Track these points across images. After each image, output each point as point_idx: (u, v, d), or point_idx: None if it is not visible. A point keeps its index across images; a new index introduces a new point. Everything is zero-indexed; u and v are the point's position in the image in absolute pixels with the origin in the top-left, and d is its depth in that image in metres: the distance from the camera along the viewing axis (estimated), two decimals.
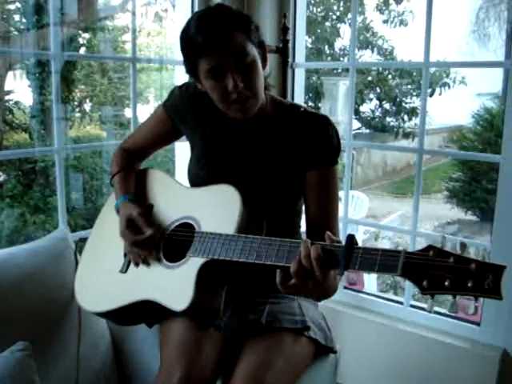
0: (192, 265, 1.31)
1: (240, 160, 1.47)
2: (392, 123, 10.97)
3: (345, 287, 2.55)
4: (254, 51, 1.32)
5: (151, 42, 9.00)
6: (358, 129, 11.82)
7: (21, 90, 7.22)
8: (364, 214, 5.87)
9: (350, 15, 10.86)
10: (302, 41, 2.67)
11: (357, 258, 1.05)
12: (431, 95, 10.54)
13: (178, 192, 1.48)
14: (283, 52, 2.35)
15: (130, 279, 1.44)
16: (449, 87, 10.72)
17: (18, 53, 4.65)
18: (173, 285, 1.33)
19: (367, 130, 11.75)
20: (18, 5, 5.78)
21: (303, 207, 1.53)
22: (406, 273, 0.99)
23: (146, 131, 1.63)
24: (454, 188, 7.37)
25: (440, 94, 10.58)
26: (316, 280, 1.09)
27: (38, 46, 4.99)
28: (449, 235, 6.62)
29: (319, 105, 11.03)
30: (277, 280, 1.12)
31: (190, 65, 1.34)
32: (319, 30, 10.94)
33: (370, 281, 4.27)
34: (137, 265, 1.42)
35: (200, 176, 1.50)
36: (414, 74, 10.39)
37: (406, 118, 10.74)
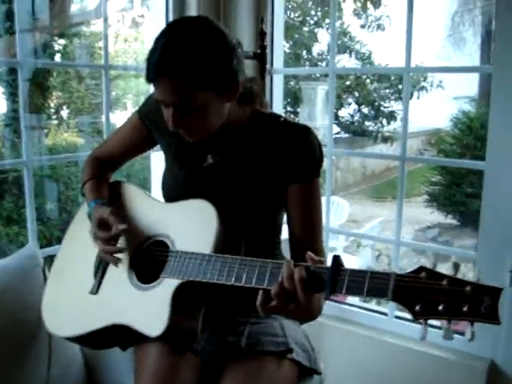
0: (166, 287, 1.22)
1: (216, 171, 1.39)
2: (371, 127, 11.00)
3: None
4: (203, 97, 1.20)
5: (128, 47, 8.91)
6: (337, 133, 11.83)
7: None
8: (344, 219, 5.84)
9: (327, 20, 10.88)
10: (280, 46, 2.60)
11: (343, 280, 0.97)
12: (409, 99, 10.58)
13: (152, 207, 1.40)
14: (261, 58, 2.27)
15: (100, 301, 1.35)
16: (426, 91, 10.81)
17: None
18: (146, 308, 1.25)
19: (346, 135, 11.77)
20: None
21: (283, 220, 1.46)
22: (397, 297, 0.92)
23: (118, 139, 1.55)
24: (434, 192, 7.38)
25: (418, 97, 10.66)
26: (299, 303, 1.02)
27: (9, 52, 4.86)
28: (429, 240, 6.63)
29: (298, 110, 11.03)
30: (257, 301, 1.05)
31: None
32: (297, 35, 10.93)
33: None
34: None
35: (174, 187, 1.42)
36: (393, 78, 10.43)
37: (384, 122, 10.78)
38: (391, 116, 10.64)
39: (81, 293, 1.38)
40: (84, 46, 8.33)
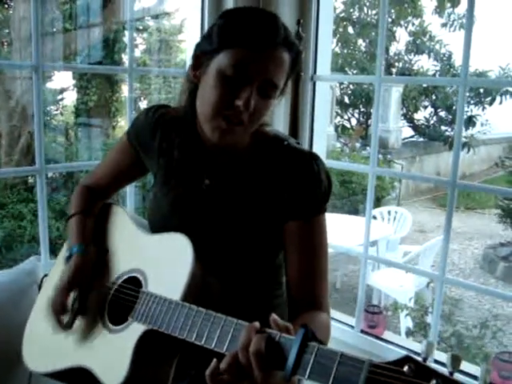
0: (132, 332, 1.07)
1: (208, 196, 1.22)
2: (447, 132, 10.44)
3: (361, 331, 2.24)
4: (281, 83, 1.11)
5: None
6: (412, 137, 11.35)
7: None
8: (406, 231, 5.51)
9: (406, 18, 10.45)
10: (326, 50, 2.38)
11: (309, 360, 0.78)
12: (491, 103, 9.99)
13: (133, 238, 1.25)
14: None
15: (72, 338, 1.21)
16: (511, 95, 10.11)
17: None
18: (110, 354, 1.10)
19: (421, 139, 11.27)
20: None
21: None
22: None
23: (108, 165, 1.40)
24: (508, 207, 6.83)
25: (500, 102, 10.00)
26: (253, 381, 0.83)
27: (69, 48, 4.92)
28: (500, 259, 6.15)
29: (371, 111, 10.67)
30: (207, 370, 0.86)
31: (211, 50, 1.09)
32: (374, 34, 10.54)
33: (400, 321, 3.87)
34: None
35: (161, 212, 1.26)
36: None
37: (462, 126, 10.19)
38: (470, 121, 10.03)
39: (57, 326, 1.26)
40: (163, 40, 8.40)
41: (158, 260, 1.14)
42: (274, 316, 0.86)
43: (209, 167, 1.23)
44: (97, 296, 1.21)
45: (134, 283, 1.16)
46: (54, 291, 1.22)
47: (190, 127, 1.21)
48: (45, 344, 1.28)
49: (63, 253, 1.39)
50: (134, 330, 1.07)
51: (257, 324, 0.86)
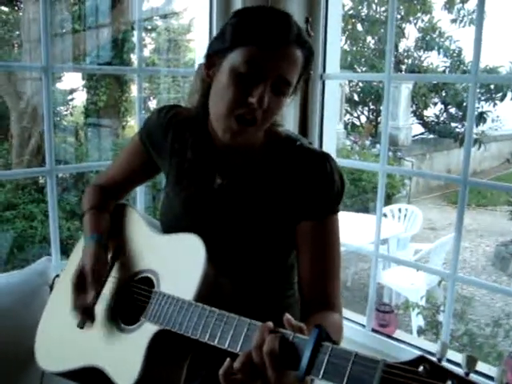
0: (144, 332, 1.07)
1: (221, 195, 1.22)
2: (457, 129, 10.37)
3: (373, 329, 2.23)
4: (294, 81, 1.12)
5: None
6: (422, 134, 11.30)
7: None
8: (417, 229, 5.48)
9: (416, 14, 10.39)
10: (335, 49, 2.37)
11: (323, 361, 0.77)
12: (502, 99, 9.91)
13: (146, 238, 1.25)
14: None
15: (84, 338, 1.22)
16: None
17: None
18: (122, 354, 1.10)
19: (431, 135, 11.21)
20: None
21: None
22: None
23: (120, 165, 1.40)
24: None
25: None
26: (267, 381, 0.83)
27: (79, 48, 4.95)
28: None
29: (380, 108, 10.63)
30: (221, 369, 0.87)
31: (224, 49, 1.10)
32: (382, 30, 10.50)
33: (412, 320, 3.84)
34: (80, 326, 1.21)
35: (173, 212, 1.27)
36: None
37: None
38: (481, 117, 9.96)
39: (70, 324, 1.26)
40: (172, 39, 8.42)
41: (170, 260, 1.14)
42: (288, 316, 0.86)
43: (221, 167, 1.23)
44: (109, 295, 1.21)
45: (146, 283, 1.16)
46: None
47: (202, 127, 1.21)
48: (57, 344, 1.29)
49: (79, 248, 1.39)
50: (147, 330, 1.07)
51: (270, 324, 0.86)
